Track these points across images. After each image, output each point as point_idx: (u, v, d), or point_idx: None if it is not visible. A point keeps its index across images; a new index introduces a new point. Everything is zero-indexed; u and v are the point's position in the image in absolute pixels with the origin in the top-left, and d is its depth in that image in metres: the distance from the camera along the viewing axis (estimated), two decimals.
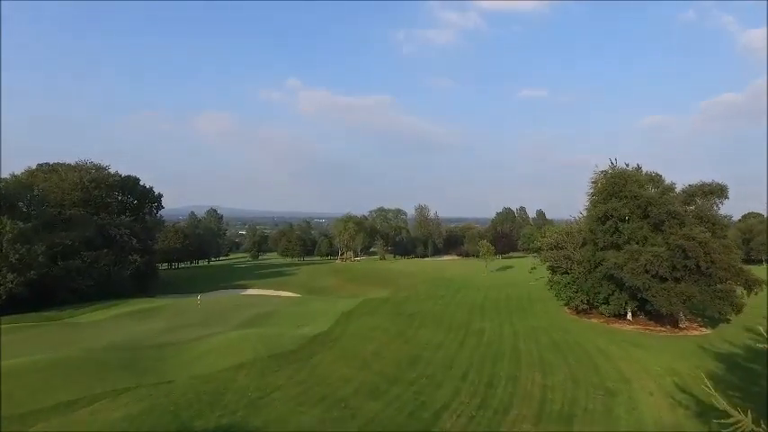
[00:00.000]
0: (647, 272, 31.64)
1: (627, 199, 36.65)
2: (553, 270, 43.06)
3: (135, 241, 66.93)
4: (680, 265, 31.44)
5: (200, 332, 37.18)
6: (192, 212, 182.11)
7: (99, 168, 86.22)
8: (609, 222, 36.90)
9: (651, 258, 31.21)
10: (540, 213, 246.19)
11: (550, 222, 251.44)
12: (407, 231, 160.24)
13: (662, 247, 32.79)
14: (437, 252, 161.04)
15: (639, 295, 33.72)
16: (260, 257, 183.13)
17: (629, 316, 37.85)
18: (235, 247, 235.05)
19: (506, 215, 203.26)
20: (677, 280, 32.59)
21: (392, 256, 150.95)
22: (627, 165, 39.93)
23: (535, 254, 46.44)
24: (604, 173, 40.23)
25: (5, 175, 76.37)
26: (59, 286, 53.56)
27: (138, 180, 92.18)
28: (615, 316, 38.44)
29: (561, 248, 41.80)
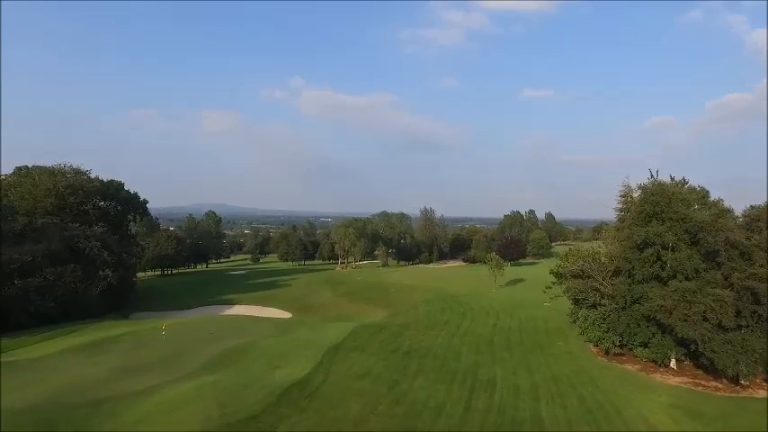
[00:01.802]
0: (705, 320, 24.90)
1: (671, 222, 29.87)
2: (577, 302, 36.34)
3: (107, 254, 60.77)
4: (748, 311, 24.69)
5: (152, 379, 30.91)
6: (190, 215, 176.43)
7: (77, 173, 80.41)
8: (649, 250, 30.14)
9: (713, 305, 24.46)
10: (550, 216, 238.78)
11: (560, 225, 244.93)
12: (411, 237, 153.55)
13: (722, 286, 25.97)
14: (443, 257, 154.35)
15: (693, 348, 26.92)
16: (261, 260, 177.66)
17: (672, 363, 31.06)
18: (237, 248, 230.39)
19: (514, 219, 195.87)
20: (740, 327, 25.87)
21: (396, 261, 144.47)
22: (672, 178, 33.08)
23: (554, 280, 39.62)
24: (642, 188, 33.44)
25: None
26: (14, 308, 47.47)
27: (121, 185, 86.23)
28: (654, 361, 31.73)
29: (588, 277, 35.03)
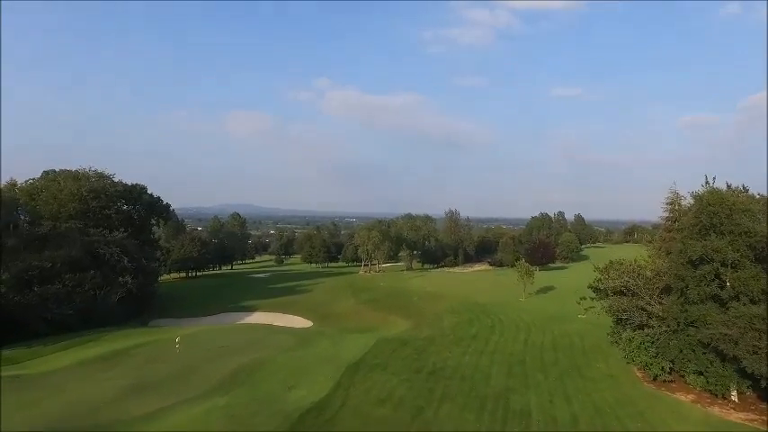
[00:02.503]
0: None
1: (732, 235, 26.31)
2: (620, 321, 32.95)
3: (127, 261, 60.26)
4: None
5: (160, 400, 29.21)
6: (216, 216, 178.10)
7: (101, 176, 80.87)
8: (706, 267, 26.63)
9: None
10: (579, 218, 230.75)
11: (589, 227, 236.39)
12: (436, 239, 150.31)
13: None
14: (468, 259, 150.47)
15: (765, 384, 23.37)
16: (285, 262, 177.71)
17: (733, 395, 27.43)
18: (262, 248, 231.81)
19: (542, 221, 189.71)
20: None
21: (420, 264, 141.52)
22: (729, 185, 29.44)
23: (593, 296, 36.22)
24: (696, 196, 29.86)
25: (4, 182, 71.93)
26: (32, 316, 47.03)
27: (144, 189, 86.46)
28: (711, 391, 28.14)
29: (633, 295, 31.60)
